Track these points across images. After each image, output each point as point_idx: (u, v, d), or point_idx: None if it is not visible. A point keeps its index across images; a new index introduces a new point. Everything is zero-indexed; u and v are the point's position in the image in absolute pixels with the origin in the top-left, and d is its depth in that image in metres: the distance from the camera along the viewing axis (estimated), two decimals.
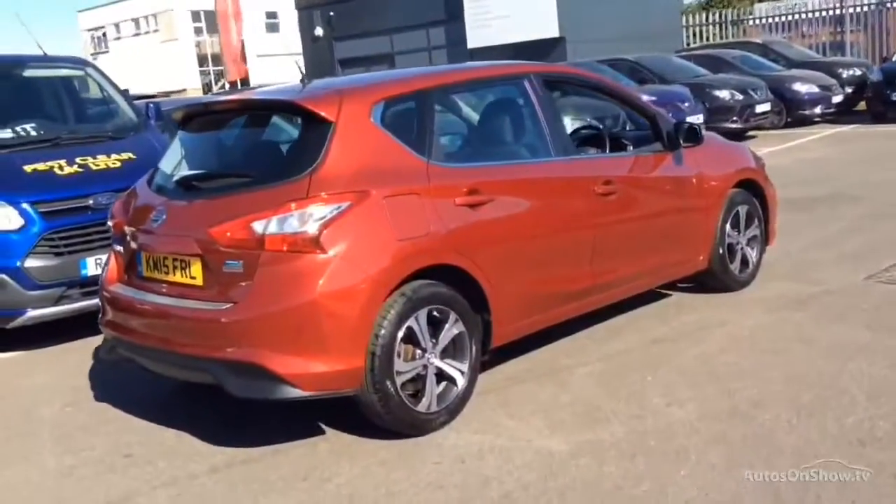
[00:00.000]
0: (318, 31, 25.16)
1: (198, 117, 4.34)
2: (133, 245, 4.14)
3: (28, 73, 6.96)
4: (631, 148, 5.42)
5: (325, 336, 3.52)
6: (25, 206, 5.66)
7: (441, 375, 3.94)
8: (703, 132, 6.47)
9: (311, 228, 3.51)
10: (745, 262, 5.79)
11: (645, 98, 13.90)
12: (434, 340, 3.87)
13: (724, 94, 15.18)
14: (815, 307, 5.28)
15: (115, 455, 4.02)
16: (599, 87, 5.17)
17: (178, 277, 3.88)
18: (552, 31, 20.38)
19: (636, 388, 4.23)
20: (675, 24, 24.52)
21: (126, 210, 4.30)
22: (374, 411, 3.73)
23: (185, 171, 4.19)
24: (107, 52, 57.07)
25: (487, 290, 4.06)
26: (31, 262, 5.61)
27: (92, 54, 58.81)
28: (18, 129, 6.33)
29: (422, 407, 3.82)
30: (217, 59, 44.66)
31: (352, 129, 3.79)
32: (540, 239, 4.33)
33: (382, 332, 3.64)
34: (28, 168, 5.88)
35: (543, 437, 3.77)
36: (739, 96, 15.21)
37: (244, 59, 31.92)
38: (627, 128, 6.44)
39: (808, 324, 4.98)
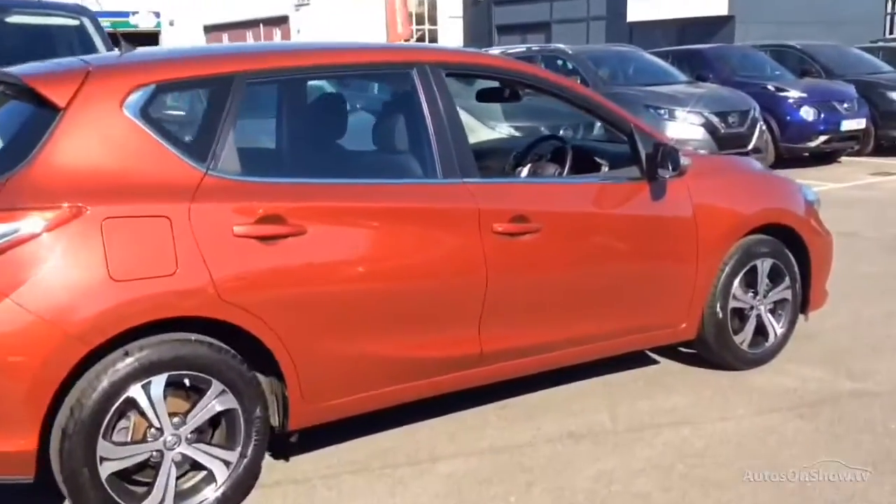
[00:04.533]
0: None
1: None
2: None
3: (12, 19, 6.43)
4: (605, 170, 4.10)
5: None
6: None
7: (195, 465, 2.93)
8: (721, 157, 5.00)
9: None
10: (762, 333, 4.33)
11: (794, 94, 12.06)
12: (181, 418, 2.86)
13: None
14: (828, 416, 3.78)
15: None
16: (539, 85, 3.82)
17: None
18: (720, 9, 18.29)
19: None
20: (876, 9, 21.47)
21: None
22: None
23: None
24: (308, 4, 58.57)
25: (281, 356, 2.99)
26: None
27: (296, 5, 60.64)
28: None
29: None
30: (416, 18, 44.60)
31: (89, 119, 2.80)
32: (385, 289, 3.19)
33: (83, 402, 2.67)
34: None
35: None
36: None
37: (429, 18, 31.23)
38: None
39: (796, 445, 3.52)
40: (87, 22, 6.71)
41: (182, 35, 47.21)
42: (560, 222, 3.60)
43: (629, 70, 11.89)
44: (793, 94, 12.02)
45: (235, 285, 2.87)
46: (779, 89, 12.13)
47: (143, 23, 45.35)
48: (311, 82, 3.68)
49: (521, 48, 13.50)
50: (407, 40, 29.32)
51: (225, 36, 51.54)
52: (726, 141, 10.25)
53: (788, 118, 11.79)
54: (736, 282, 4.17)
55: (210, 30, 55.72)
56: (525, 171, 4.25)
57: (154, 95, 2.91)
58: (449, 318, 3.37)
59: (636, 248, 3.84)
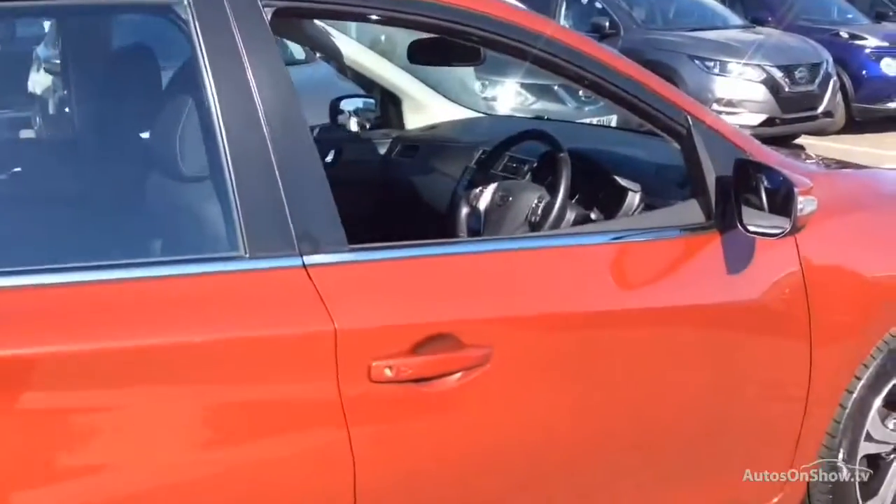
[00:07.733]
0: None
1: None
2: None
3: None
4: (634, 201, 2.12)
5: None
6: None
7: None
8: (861, 172, 2.90)
9: None
10: None
11: (872, 43, 9.82)
12: None
13: None
14: None
15: None
16: (481, 31, 1.70)
17: None
18: None
19: None
20: None
21: None
22: None
23: None
24: None
25: None
26: None
27: None
28: None
29: None
30: None
31: None
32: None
33: None
34: None
35: None
36: None
37: None
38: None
39: None
40: None
41: None
42: (530, 342, 1.65)
43: (670, 11, 10.03)
44: (870, 42, 9.94)
45: None
46: (853, 37, 10.01)
47: None
48: None
49: None
50: None
51: None
52: (792, 102, 8.27)
53: (865, 72, 9.74)
54: (874, 406, 2.22)
55: None
56: (484, 200, 2.27)
57: None
58: None
59: (687, 377, 1.88)
